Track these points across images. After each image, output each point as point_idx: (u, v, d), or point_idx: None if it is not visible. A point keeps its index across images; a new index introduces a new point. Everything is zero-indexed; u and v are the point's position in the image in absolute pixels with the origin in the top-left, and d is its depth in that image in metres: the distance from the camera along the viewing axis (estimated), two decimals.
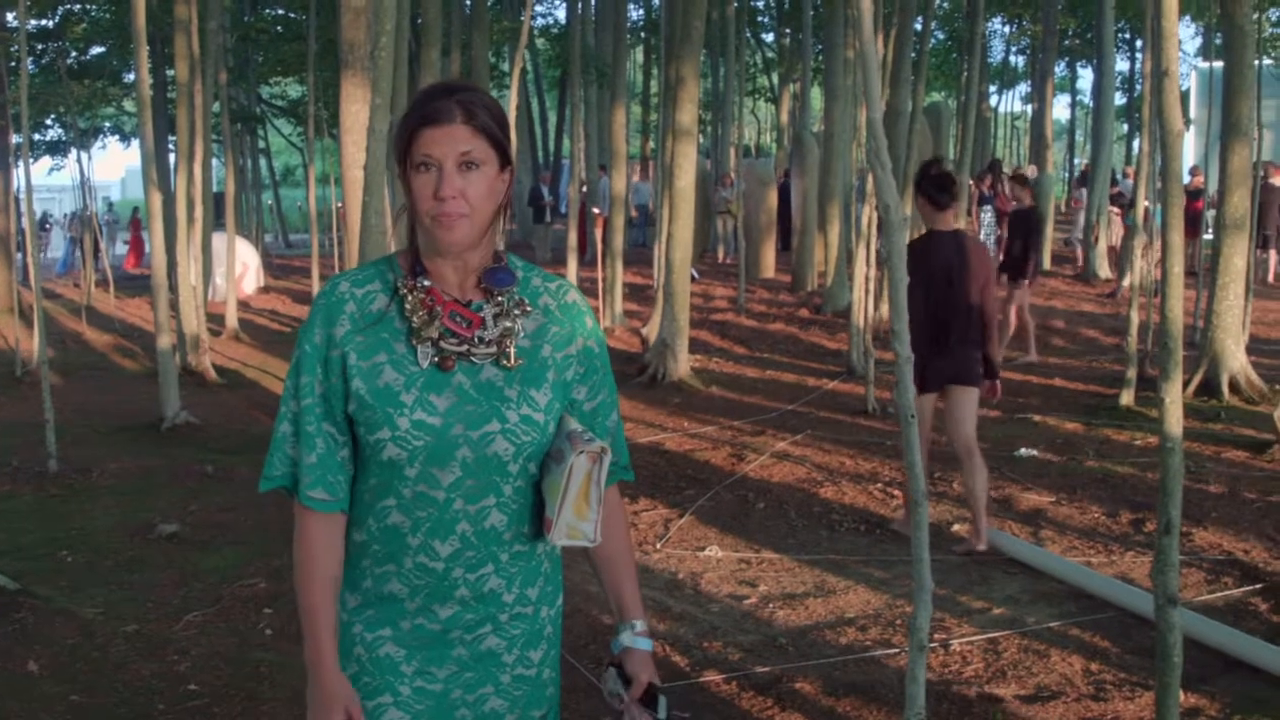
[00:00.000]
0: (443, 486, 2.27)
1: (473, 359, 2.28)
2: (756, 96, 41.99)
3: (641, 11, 33.98)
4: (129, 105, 32.58)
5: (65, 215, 36.98)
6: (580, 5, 23.46)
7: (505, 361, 2.29)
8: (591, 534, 2.35)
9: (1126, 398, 10.73)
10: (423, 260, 2.31)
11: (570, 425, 2.36)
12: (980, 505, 6.97)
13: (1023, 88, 49.51)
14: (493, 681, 2.39)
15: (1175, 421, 3.71)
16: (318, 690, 2.27)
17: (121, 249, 37.84)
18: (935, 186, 7.08)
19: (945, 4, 31.95)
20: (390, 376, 2.25)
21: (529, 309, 2.35)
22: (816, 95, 38.00)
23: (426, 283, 2.29)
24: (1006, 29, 39.01)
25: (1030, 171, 25.59)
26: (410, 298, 2.28)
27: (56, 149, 32.59)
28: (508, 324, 2.31)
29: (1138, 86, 36.82)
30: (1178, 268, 3.88)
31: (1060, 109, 57.31)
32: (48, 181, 39.45)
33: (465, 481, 2.27)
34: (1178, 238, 3.89)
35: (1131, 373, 10.84)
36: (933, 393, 7.03)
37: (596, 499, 2.34)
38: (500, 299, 2.32)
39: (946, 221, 7.12)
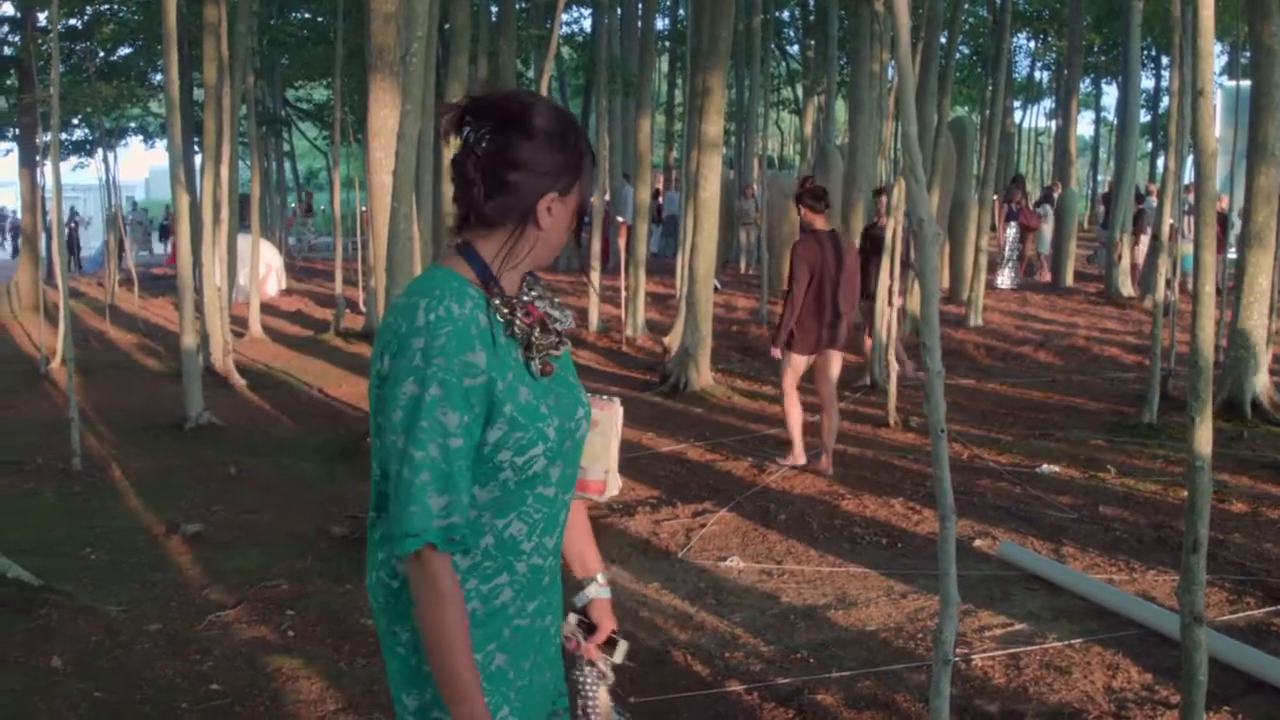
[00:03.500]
0: (554, 482, 2.34)
1: (557, 355, 2.37)
2: (781, 108, 41.98)
3: (667, 21, 34.03)
4: (155, 106, 32.73)
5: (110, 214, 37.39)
6: (606, 15, 23.51)
7: (556, 352, 2.37)
8: (619, 481, 2.56)
9: (1149, 416, 10.69)
10: (497, 274, 2.30)
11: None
12: (831, 439, 9.17)
13: (1047, 104, 49.48)
14: (546, 657, 2.47)
15: (1204, 440, 3.71)
16: None
17: (146, 249, 38.06)
18: (812, 197, 9.02)
19: (971, 19, 31.90)
20: (525, 393, 2.26)
21: (556, 301, 2.46)
22: (841, 107, 37.99)
23: (526, 298, 2.34)
24: (1032, 45, 39.01)
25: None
26: (519, 314, 2.30)
27: (82, 148, 32.76)
28: (565, 313, 2.42)
29: (1163, 103, 36.75)
30: (1209, 286, 3.88)
31: (1084, 125, 57.18)
32: (72, 180, 39.69)
33: (566, 471, 2.37)
34: (1210, 257, 3.89)
35: (1154, 390, 10.79)
36: (813, 354, 9.09)
37: (616, 448, 2.54)
38: (541, 294, 2.42)
39: (823, 223, 9.02)
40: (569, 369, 2.43)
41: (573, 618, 2.62)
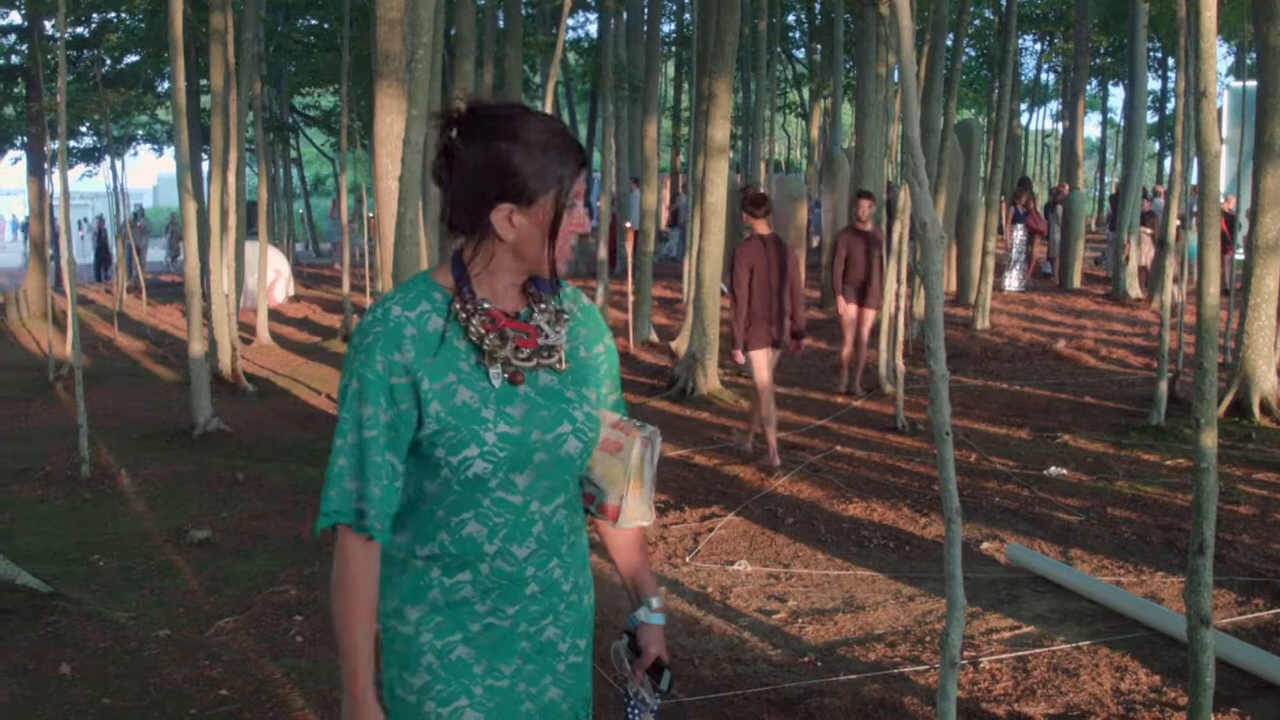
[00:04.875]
0: (520, 491, 2.34)
1: (540, 368, 2.36)
2: (787, 112, 42.01)
3: (673, 26, 34.05)
4: (162, 113, 32.80)
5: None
6: (613, 20, 23.53)
7: (558, 366, 2.37)
8: (649, 513, 2.50)
9: (1157, 418, 10.68)
10: (474, 277, 2.35)
11: (610, 416, 2.50)
12: (773, 427, 9.73)
13: (1054, 105, 49.46)
14: (551, 671, 2.45)
15: (1210, 442, 3.71)
16: (357, 713, 2.29)
17: (152, 255, 38.11)
18: (752, 204, 9.71)
19: (977, 21, 31.89)
20: (465, 395, 2.28)
21: (566, 315, 2.44)
22: (847, 111, 37.97)
23: (487, 304, 2.34)
24: (1038, 47, 38.98)
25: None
26: (474, 320, 2.31)
27: (90, 156, 32.84)
28: (561, 329, 2.40)
29: (1169, 105, 36.71)
30: (1213, 288, 3.88)
31: (1091, 127, 57.05)
32: (81, 187, 39.77)
33: (541, 484, 2.36)
34: (1214, 259, 3.89)
35: (1162, 393, 10.78)
36: (765, 349, 9.62)
37: (650, 480, 2.48)
38: (544, 306, 2.41)
39: (764, 228, 9.63)
40: (573, 384, 2.41)
41: (625, 640, 2.59)
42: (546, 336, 2.37)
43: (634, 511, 2.47)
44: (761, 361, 9.65)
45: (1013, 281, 21.97)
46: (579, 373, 2.43)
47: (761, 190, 10.21)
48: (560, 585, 2.44)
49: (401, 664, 2.38)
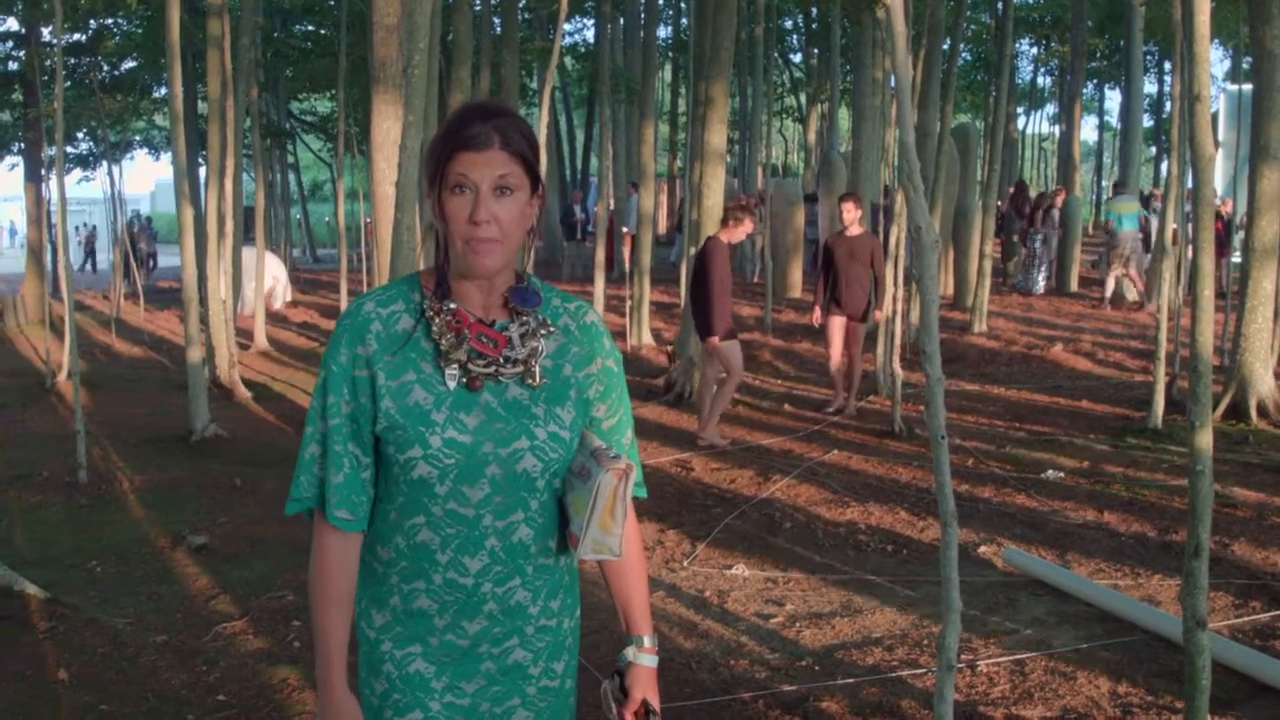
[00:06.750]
0: (472, 503, 2.30)
1: (500, 378, 2.31)
2: (784, 116, 42.02)
3: (670, 30, 34.07)
4: (160, 119, 32.79)
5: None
6: (609, 25, 23.56)
7: (530, 380, 2.33)
8: (616, 548, 2.39)
9: (1154, 421, 10.69)
10: (449, 280, 2.34)
11: (594, 442, 2.42)
12: (718, 411, 10.79)
13: (1050, 109, 49.53)
14: (519, 694, 2.43)
15: (1205, 444, 3.72)
16: (327, 707, 2.33)
17: (165, 260, 37.99)
18: (726, 215, 10.91)
19: (973, 26, 31.92)
20: (420, 396, 2.27)
21: (551, 329, 2.39)
22: (844, 115, 38.00)
23: (453, 305, 2.32)
24: (1035, 50, 39.04)
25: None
26: (437, 320, 2.30)
27: (87, 162, 32.81)
28: (534, 343, 2.35)
29: (1166, 108, 36.75)
30: (1208, 291, 3.89)
31: (1088, 131, 57.18)
32: (78, 193, 39.68)
33: (494, 498, 2.31)
34: (1208, 262, 3.90)
35: (1159, 395, 10.79)
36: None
37: (622, 514, 2.37)
38: (526, 319, 2.36)
39: (726, 234, 10.78)
40: (545, 401, 2.34)
41: (615, 681, 2.51)
42: (513, 348, 2.33)
43: (594, 544, 2.37)
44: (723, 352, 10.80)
45: (1037, 284, 21.81)
46: (555, 391, 2.36)
47: (742, 201, 11.08)
48: (526, 608, 2.39)
49: (368, 667, 2.41)
